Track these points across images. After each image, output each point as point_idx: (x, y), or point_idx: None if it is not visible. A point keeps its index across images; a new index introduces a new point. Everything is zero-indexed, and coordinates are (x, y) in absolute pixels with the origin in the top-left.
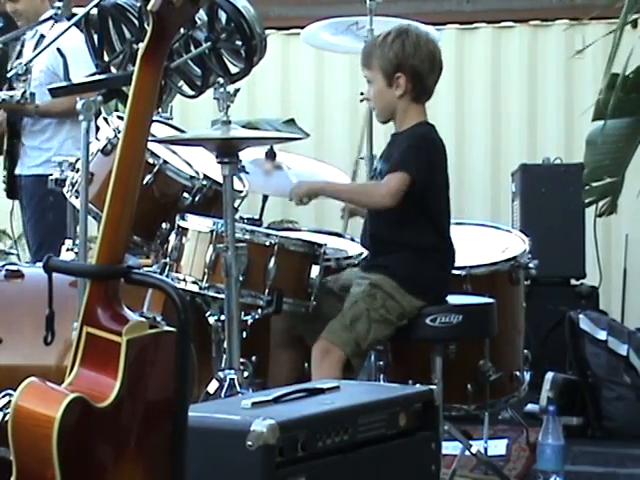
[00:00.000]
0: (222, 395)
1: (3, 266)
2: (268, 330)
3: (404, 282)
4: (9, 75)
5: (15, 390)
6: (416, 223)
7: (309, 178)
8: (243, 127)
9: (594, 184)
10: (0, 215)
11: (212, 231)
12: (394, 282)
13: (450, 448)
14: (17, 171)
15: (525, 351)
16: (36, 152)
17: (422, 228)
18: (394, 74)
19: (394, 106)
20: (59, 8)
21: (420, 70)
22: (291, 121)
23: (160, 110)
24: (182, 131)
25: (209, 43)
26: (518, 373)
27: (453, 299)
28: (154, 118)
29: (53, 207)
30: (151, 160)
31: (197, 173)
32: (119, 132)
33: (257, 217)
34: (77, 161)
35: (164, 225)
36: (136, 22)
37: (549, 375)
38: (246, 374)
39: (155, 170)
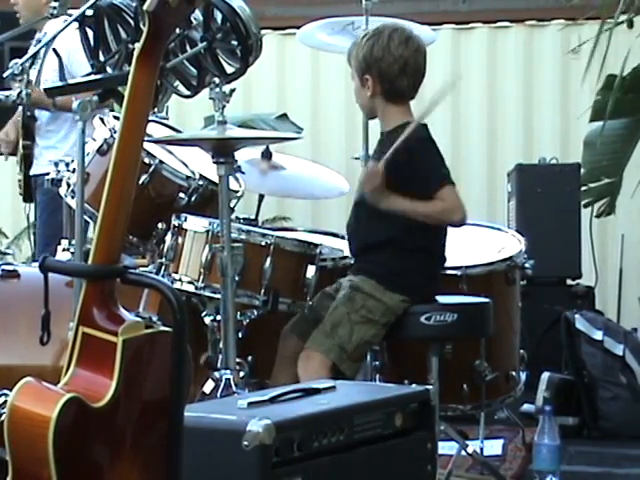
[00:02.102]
0: (218, 395)
1: None
2: (264, 330)
3: (382, 280)
4: (5, 75)
5: (11, 390)
6: (401, 221)
7: (305, 179)
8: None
9: (592, 185)
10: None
11: (208, 231)
12: (373, 281)
13: (446, 448)
14: (32, 172)
15: (521, 351)
16: (52, 151)
17: (405, 226)
18: (363, 75)
19: (370, 105)
20: (55, 8)
21: (386, 73)
22: (284, 116)
23: (156, 110)
24: (178, 131)
25: (205, 43)
26: (514, 373)
27: (448, 299)
28: (150, 118)
29: (63, 207)
30: (147, 160)
31: (193, 173)
32: (115, 132)
33: (253, 217)
34: (73, 161)
35: (160, 225)
36: (132, 22)
37: (545, 375)
38: (242, 374)
39: (151, 170)
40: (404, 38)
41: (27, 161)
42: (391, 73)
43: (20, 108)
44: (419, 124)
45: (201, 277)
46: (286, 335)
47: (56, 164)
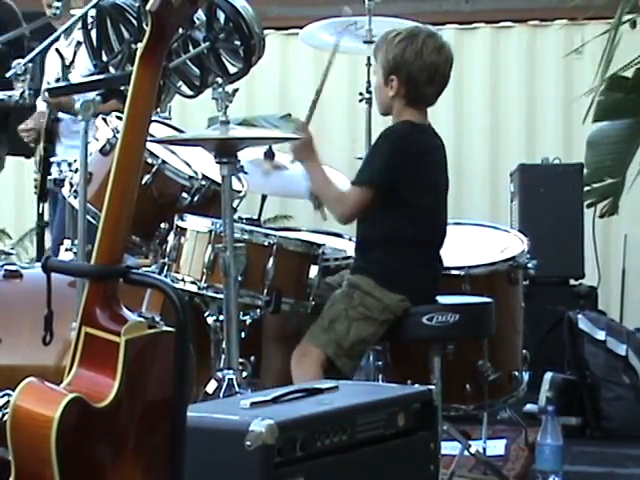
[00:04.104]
0: (221, 395)
1: (2, 266)
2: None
3: (381, 279)
4: (8, 75)
5: (14, 390)
6: (392, 219)
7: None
8: (239, 124)
9: (595, 185)
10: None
11: (211, 231)
12: (372, 280)
13: (449, 448)
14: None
15: (524, 351)
16: (75, 150)
17: (398, 224)
18: (389, 75)
19: (388, 103)
20: (57, 8)
21: (415, 78)
22: (288, 116)
23: (159, 110)
24: (181, 131)
25: (208, 43)
26: (517, 373)
27: (451, 299)
28: (153, 118)
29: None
30: (150, 160)
31: (196, 173)
32: (118, 132)
33: (256, 217)
34: (76, 161)
35: (163, 225)
36: (135, 22)
37: (548, 375)
38: (245, 374)
39: (154, 170)
40: (438, 45)
41: (46, 163)
42: (419, 79)
43: (45, 110)
44: (409, 122)
45: (204, 277)
46: (268, 354)
47: (58, 164)
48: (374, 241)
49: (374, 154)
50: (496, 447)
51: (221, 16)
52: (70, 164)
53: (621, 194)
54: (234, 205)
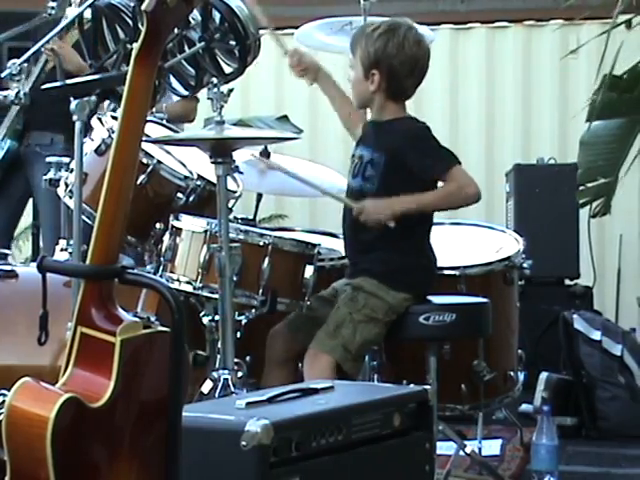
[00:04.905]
0: (216, 395)
1: None
2: (262, 330)
3: (385, 279)
4: (3, 75)
5: (9, 390)
6: (412, 218)
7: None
8: (235, 125)
9: (588, 185)
10: None
11: (206, 231)
12: (375, 281)
13: (444, 448)
14: None
15: (519, 351)
16: None
17: (416, 221)
18: (370, 69)
19: (368, 97)
20: (53, 8)
21: (397, 72)
22: (284, 117)
23: (154, 110)
24: (176, 131)
25: (203, 43)
26: (512, 373)
27: (447, 299)
28: (148, 118)
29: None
30: (145, 160)
31: (191, 173)
32: (113, 132)
33: (251, 217)
34: (71, 161)
35: (158, 225)
36: (130, 22)
37: (543, 375)
38: (240, 374)
39: (149, 170)
40: (418, 39)
41: None
42: (401, 72)
43: None
44: (417, 120)
45: (199, 277)
46: (274, 336)
47: (54, 164)
48: (377, 242)
49: (431, 147)
50: (491, 447)
51: (216, 16)
52: (66, 164)
53: (614, 194)
54: (229, 205)
